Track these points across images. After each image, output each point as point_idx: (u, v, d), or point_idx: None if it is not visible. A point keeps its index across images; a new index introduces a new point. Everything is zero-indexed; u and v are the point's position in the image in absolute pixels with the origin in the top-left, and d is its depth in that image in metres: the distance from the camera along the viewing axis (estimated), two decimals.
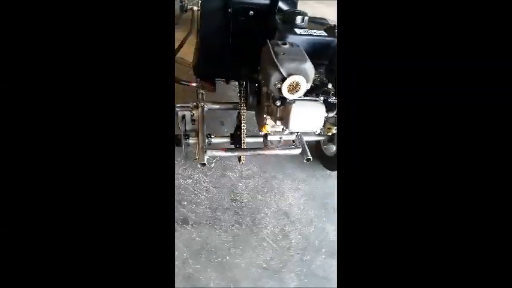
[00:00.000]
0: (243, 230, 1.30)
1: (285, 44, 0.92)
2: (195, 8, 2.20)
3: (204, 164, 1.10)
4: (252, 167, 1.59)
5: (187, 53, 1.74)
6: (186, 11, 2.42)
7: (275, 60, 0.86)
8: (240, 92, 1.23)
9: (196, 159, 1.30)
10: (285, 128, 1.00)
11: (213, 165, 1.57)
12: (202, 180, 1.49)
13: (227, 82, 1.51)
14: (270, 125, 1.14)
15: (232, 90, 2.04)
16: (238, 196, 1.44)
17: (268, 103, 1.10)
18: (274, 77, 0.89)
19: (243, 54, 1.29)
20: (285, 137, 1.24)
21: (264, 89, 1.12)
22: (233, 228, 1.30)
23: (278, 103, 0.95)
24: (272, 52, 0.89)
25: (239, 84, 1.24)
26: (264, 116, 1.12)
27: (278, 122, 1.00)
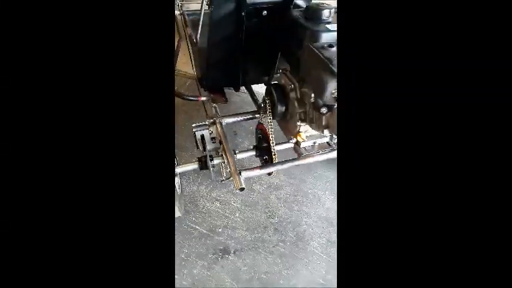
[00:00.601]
0: (289, 247, 1.21)
1: (332, 46, 0.81)
2: (176, 12, 2.01)
3: (243, 189, 0.98)
4: (279, 175, 1.49)
5: (179, 63, 1.58)
6: None
7: (331, 67, 0.75)
8: (264, 100, 1.11)
9: (223, 180, 1.18)
10: (334, 134, 0.91)
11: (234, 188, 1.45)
12: (232, 200, 1.36)
13: (237, 90, 1.38)
14: (304, 131, 1.04)
15: (236, 95, 1.91)
16: (273, 211, 1.34)
17: (302, 109, 0.99)
18: (332, 85, 0.78)
19: (256, 57, 1.16)
20: (319, 141, 1.15)
21: (292, 94, 1.02)
22: (278, 247, 1.21)
23: (324, 110, 0.84)
24: (323, 58, 0.78)
25: (265, 96, 1.12)
26: (298, 123, 1.02)
27: (326, 130, 0.90)
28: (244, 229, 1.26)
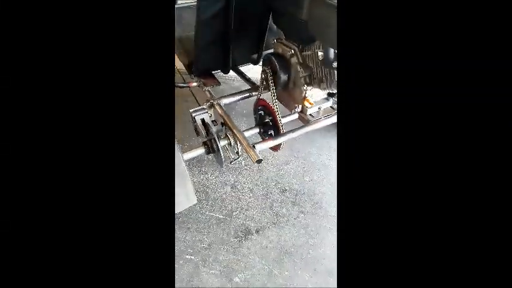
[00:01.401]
0: (310, 217, 1.21)
1: None
2: None
3: (260, 160, 0.95)
4: (284, 151, 1.48)
5: None
6: None
7: None
8: (264, 71, 1.07)
9: (232, 161, 1.13)
10: None
11: (243, 162, 1.41)
12: (241, 182, 1.32)
13: (226, 72, 1.33)
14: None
15: (222, 83, 1.85)
16: (285, 185, 1.32)
17: (307, 73, 0.98)
18: None
19: (246, 34, 1.12)
20: (323, 106, 1.15)
21: (294, 59, 1.00)
22: (299, 219, 1.20)
23: (336, 64, 0.84)
24: (332, 2, 0.76)
25: (264, 66, 1.08)
26: (304, 88, 1.00)
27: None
28: (261, 208, 1.23)
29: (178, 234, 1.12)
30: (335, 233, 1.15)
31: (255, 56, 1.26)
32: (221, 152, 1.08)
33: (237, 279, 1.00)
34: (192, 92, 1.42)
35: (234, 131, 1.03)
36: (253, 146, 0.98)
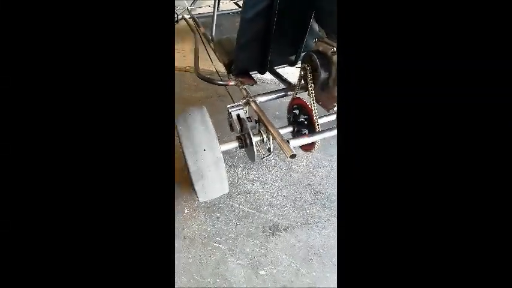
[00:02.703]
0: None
1: None
2: (186, 16, 2.15)
3: (294, 155, 0.98)
4: (316, 154, 1.48)
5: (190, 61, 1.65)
6: (177, 21, 2.37)
7: None
8: (304, 68, 1.13)
9: (264, 157, 1.18)
10: None
11: (273, 161, 1.45)
12: (271, 179, 1.35)
13: (263, 72, 1.42)
14: None
15: (256, 85, 1.95)
16: (317, 187, 1.32)
17: None
18: None
19: (286, 35, 1.20)
20: None
21: (335, 57, 1.04)
22: (330, 222, 1.18)
23: None
24: None
25: (304, 63, 1.14)
26: None
27: None
28: (291, 206, 1.24)
29: (208, 222, 1.17)
30: None
31: (293, 57, 1.33)
32: (254, 147, 1.13)
33: (263, 273, 1.01)
34: (228, 92, 1.53)
35: (268, 126, 1.09)
36: (287, 141, 1.02)
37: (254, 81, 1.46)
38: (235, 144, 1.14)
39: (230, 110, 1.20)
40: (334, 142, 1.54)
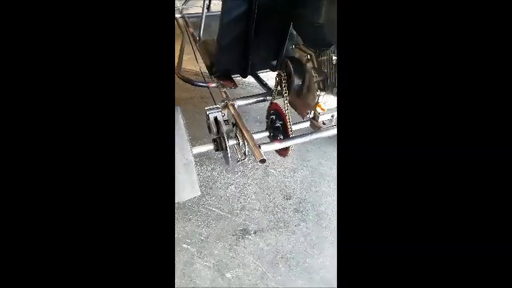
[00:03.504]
0: (311, 226, 1.22)
1: None
2: (177, 15, 2.16)
3: (264, 160, 1.02)
4: (293, 159, 1.53)
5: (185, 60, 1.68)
6: None
7: None
8: (279, 75, 1.17)
9: (239, 160, 1.21)
10: None
11: (250, 165, 1.48)
12: (246, 183, 1.38)
13: (245, 76, 1.45)
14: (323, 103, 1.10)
15: (241, 88, 1.98)
16: (290, 192, 1.36)
17: (321, 78, 1.05)
18: None
19: (266, 40, 1.24)
20: (336, 114, 1.20)
21: (309, 64, 1.08)
22: (300, 227, 1.22)
23: None
24: None
25: (280, 70, 1.18)
26: (317, 93, 1.07)
27: None
28: (262, 210, 1.27)
29: (179, 223, 1.19)
30: (336, 246, 1.15)
31: (275, 62, 1.37)
32: (228, 151, 1.16)
33: (228, 275, 1.04)
34: (211, 93, 1.55)
35: (243, 130, 1.12)
36: (259, 146, 1.05)
37: (235, 85, 1.49)
38: (210, 146, 1.17)
39: (208, 113, 1.22)
40: (311, 148, 1.59)
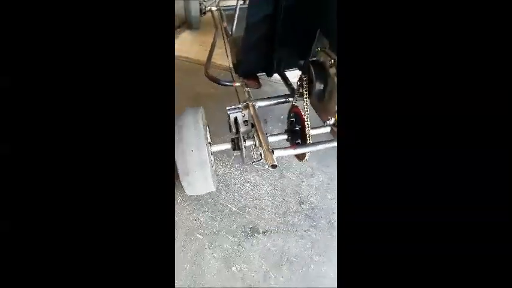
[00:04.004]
0: (321, 233, 1.23)
1: None
2: (213, 8, 2.21)
3: (275, 166, 1.05)
4: (311, 162, 1.52)
5: (214, 55, 1.73)
6: (204, 13, 2.46)
7: None
8: (301, 78, 1.17)
9: (255, 161, 1.25)
10: None
11: (266, 166, 1.52)
12: (261, 183, 1.44)
13: (270, 75, 1.46)
14: None
15: (268, 85, 2.00)
16: (304, 197, 1.38)
17: None
18: None
19: (293, 39, 1.23)
20: None
21: (332, 69, 1.06)
22: (309, 232, 1.24)
23: None
24: None
25: (302, 72, 1.18)
26: None
27: None
28: (274, 212, 1.31)
29: (195, 214, 1.30)
30: None
31: (302, 62, 1.35)
32: (243, 151, 1.22)
33: (234, 269, 1.12)
34: (236, 92, 1.61)
35: (259, 132, 1.16)
36: (272, 151, 1.08)
37: (258, 85, 1.52)
38: (228, 146, 1.24)
39: (229, 112, 1.28)
40: (332, 153, 1.56)
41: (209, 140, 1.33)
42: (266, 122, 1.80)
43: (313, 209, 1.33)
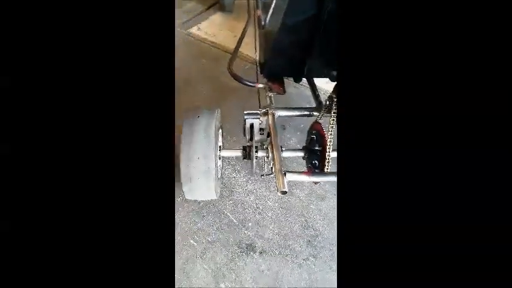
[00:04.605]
0: (321, 265, 1.16)
1: None
2: None
3: (285, 192, 0.96)
4: (324, 185, 1.43)
5: (242, 44, 1.60)
6: None
7: None
8: (331, 98, 1.05)
9: (263, 174, 1.17)
10: None
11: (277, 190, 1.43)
12: (267, 197, 1.36)
13: (298, 81, 1.34)
14: None
15: (293, 87, 1.88)
16: (310, 222, 1.29)
17: None
18: None
19: (331, 46, 1.10)
20: None
21: None
22: (308, 262, 1.16)
23: None
24: None
25: (333, 91, 1.06)
26: None
27: None
28: (275, 232, 1.24)
29: (193, 217, 1.25)
30: None
31: (334, 72, 1.23)
32: (253, 163, 1.13)
33: (222, 286, 1.07)
34: (258, 96, 1.50)
35: (274, 147, 1.06)
36: (285, 174, 0.99)
37: (283, 91, 1.41)
38: (238, 153, 1.16)
39: (245, 117, 1.19)
40: None
41: (220, 144, 1.26)
42: (284, 129, 1.70)
43: (317, 236, 1.25)
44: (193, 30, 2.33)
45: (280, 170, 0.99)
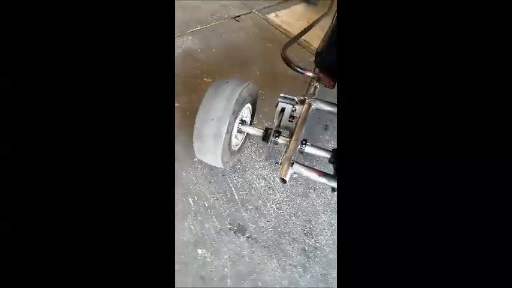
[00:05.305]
0: (307, 280, 1.02)
1: None
2: None
3: (284, 181, 0.88)
4: None
5: (310, 33, 1.51)
6: None
7: None
8: None
9: (277, 162, 1.09)
10: None
11: (295, 175, 1.33)
12: (278, 189, 1.27)
13: None
14: None
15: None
16: (314, 230, 1.15)
17: None
18: None
19: None
20: None
21: None
22: (294, 270, 1.04)
23: None
24: None
25: None
26: None
27: None
28: (272, 225, 1.15)
29: (199, 178, 1.27)
30: None
31: None
32: (270, 147, 1.06)
33: (200, 252, 1.05)
34: (309, 84, 1.41)
35: (294, 136, 0.98)
36: (292, 164, 0.90)
37: (332, 85, 1.29)
38: (259, 132, 1.11)
39: (279, 100, 1.13)
40: None
41: (246, 119, 1.23)
42: (326, 129, 1.56)
43: (316, 249, 1.10)
44: (271, 16, 2.36)
45: (289, 158, 0.91)
